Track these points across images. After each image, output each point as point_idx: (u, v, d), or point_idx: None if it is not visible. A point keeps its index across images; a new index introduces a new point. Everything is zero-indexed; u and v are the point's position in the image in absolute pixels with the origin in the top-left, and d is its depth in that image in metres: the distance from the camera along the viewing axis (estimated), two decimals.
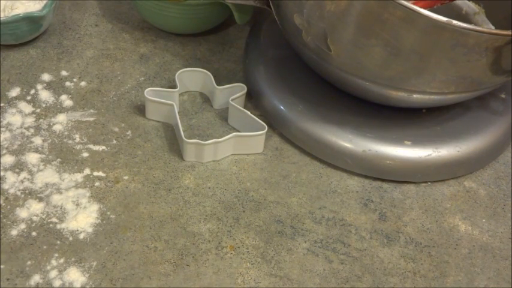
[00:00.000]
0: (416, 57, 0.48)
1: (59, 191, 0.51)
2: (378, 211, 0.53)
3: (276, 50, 0.63)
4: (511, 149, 0.60)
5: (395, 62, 0.49)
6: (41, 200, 0.50)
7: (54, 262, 0.46)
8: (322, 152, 0.56)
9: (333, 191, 0.54)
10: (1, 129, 0.55)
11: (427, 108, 0.58)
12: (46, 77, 0.61)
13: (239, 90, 0.58)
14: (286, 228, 0.51)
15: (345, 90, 0.57)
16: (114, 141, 0.56)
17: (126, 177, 0.53)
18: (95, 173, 0.53)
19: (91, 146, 0.55)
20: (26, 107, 0.57)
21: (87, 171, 0.53)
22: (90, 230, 0.48)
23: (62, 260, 0.46)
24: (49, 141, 0.55)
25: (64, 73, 0.61)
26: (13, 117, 0.56)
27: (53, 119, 0.57)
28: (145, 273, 0.46)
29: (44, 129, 0.56)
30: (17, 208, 0.49)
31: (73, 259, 0.46)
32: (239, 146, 0.55)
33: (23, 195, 0.50)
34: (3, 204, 0.49)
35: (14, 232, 0.48)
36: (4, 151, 0.53)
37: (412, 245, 0.51)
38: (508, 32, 0.45)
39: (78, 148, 0.55)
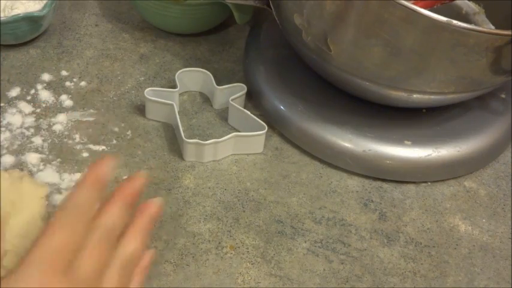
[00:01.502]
0: (416, 57, 0.48)
1: (59, 191, 0.51)
2: (377, 211, 0.53)
3: (276, 50, 0.63)
4: (511, 149, 0.60)
5: (395, 62, 0.49)
6: None
7: None
8: (322, 152, 0.56)
9: (333, 191, 0.54)
10: (1, 129, 0.55)
11: (427, 108, 0.58)
12: (46, 77, 0.61)
13: (239, 90, 0.58)
14: (286, 228, 0.51)
15: (345, 90, 0.57)
16: (114, 141, 0.56)
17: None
18: None
19: (91, 146, 0.55)
20: (26, 107, 0.57)
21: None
22: None
23: None
24: (49, 141, 0.55)
25: (64, 73, 0.61)
26: (13, 117, 0.56)
27: (53, 119, 0.56)
28: None
29: (44, 129, 0.56)
30: None
31: None
32: (239, 146, 0.55)
33: None
34: None
35: None
36: (4, 151, 0.53)
37: (412, 245, 0.51)
38: (508, 32, 0.45)
39: (78, 148, 0.54)
